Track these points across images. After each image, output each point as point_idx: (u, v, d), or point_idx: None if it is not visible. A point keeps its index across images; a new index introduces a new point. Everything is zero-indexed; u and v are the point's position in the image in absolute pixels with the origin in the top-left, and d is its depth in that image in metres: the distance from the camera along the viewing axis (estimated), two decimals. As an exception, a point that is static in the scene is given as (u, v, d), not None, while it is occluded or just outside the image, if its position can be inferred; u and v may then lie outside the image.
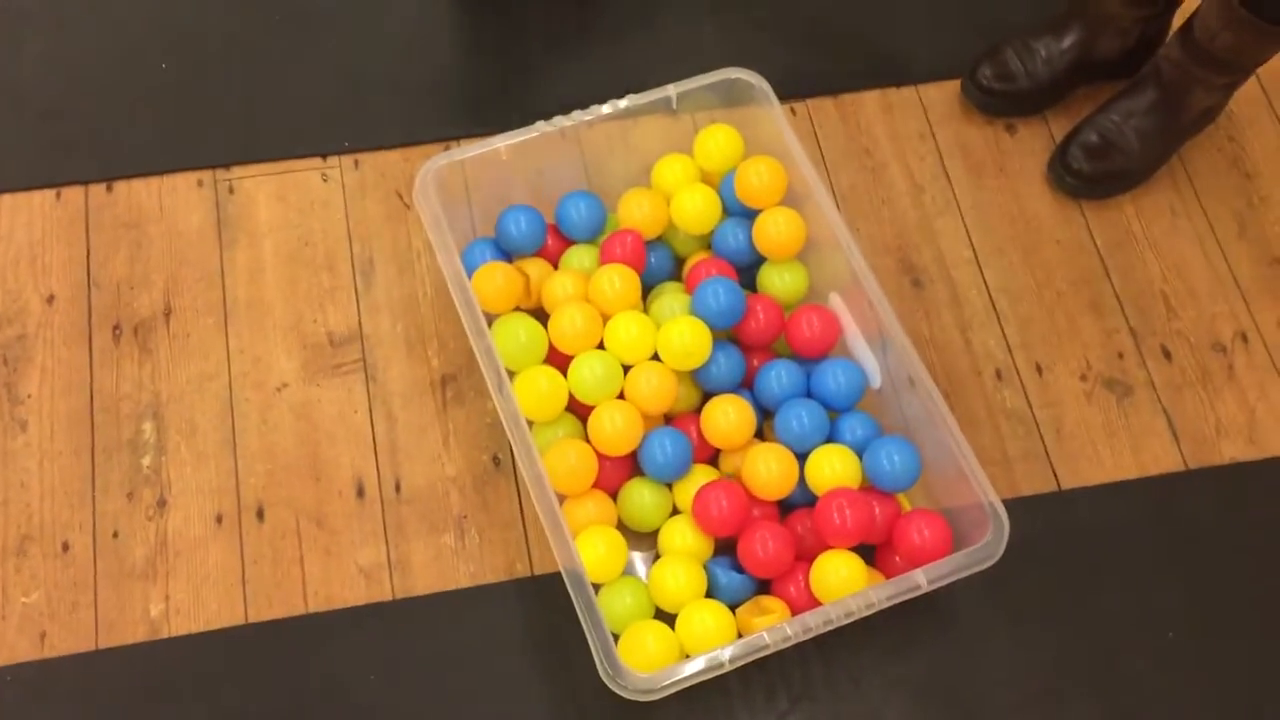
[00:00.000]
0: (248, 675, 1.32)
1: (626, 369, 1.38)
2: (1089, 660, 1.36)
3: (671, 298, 1.43)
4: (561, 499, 1.29)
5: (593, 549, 1.27)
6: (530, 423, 1.35)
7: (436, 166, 1.38)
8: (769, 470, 1.31)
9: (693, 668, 1.16)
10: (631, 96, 1.42)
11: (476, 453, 1.44)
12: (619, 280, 1.39)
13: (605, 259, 1.44)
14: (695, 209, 1.45)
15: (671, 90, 1.43)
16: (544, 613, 1.35)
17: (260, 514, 1.40)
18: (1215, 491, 1.46)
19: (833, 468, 1.31)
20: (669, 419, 1.41)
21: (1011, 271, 1.58)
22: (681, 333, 1.35)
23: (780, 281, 1.45)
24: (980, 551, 1.22)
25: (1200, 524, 1.44)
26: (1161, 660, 1.36)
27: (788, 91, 1.55)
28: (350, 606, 1.35)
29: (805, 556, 1.30)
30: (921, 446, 1.32)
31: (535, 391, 1.33)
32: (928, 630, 1.36)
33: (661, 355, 1.37)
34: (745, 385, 1.42)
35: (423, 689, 1.32)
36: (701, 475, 1.35)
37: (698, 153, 1.50)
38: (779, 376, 1.39)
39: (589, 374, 1.34)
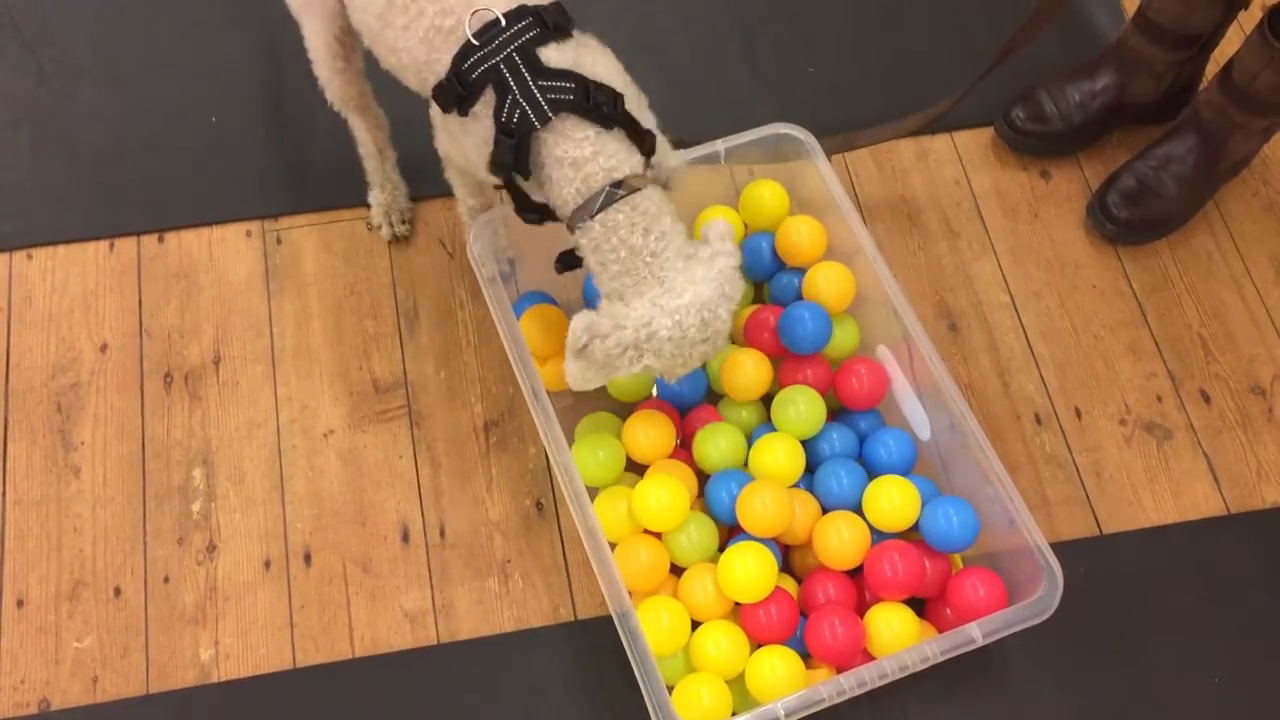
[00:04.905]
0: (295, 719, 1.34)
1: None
2: (1133, 704, 1.35)
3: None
4: (613, 544, 1.31)
5: (656, 620, 1.26)
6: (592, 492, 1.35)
7: (489, 219, 1.40)
8: (841, 541, 1.30)
9: None
10: (682, 151, 1.44)
11: (519, 498, 1.46)
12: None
13: None
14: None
15: (720, 145, 1.45)
16: (588, 657, 1.36)
17: (308, 559, 1.42)
18: (1257, 535, 1.46)
19: (890, 500, 1.31)
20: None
21: (1049, 315, 1.59)
22: (775, 454, 1.35)
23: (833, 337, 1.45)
24: (1034, 606, 1.23)
25: (1243, 568, 1.44)
26: (1207, 706, 1.36)
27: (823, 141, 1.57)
28: (396, 651, 1.37)
29: (855, 608, 1.31)
30: (969, 495, 1.32)
31: (635, 558, 1.31)
32: (972, 675, 1.36)
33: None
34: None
35: (468, 733, 1.33)
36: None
37: (743, 206, 1.52)
38: (832, 443, 1.40)
39: (686, 540, 1.32)
